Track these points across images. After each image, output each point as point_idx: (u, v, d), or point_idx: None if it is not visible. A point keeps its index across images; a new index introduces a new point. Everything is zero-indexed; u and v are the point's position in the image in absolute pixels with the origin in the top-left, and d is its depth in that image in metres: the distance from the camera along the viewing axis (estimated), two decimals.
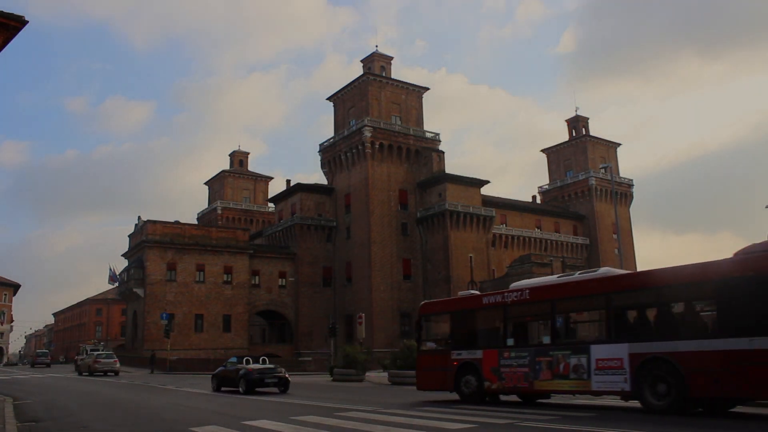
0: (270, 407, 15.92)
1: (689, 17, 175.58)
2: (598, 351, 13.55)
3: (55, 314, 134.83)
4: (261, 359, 24.45)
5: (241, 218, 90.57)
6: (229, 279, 62.23)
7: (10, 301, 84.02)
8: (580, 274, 15.91)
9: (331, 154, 71.20)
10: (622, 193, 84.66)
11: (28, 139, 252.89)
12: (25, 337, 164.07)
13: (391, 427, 11.32)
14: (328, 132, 74.52)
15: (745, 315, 11.54)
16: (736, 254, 12.47)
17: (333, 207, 70.60)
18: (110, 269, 63.64)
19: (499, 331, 16.39)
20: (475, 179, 69.41)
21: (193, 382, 28.97)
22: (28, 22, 11.68)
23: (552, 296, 15.18)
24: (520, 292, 15.80)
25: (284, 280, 67.09)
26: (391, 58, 74.31)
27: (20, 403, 17.85)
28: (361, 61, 74.11)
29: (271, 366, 23.18)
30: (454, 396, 16.94)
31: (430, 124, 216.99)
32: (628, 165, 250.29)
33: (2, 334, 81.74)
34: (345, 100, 71.85)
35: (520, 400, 16.54)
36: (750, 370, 11.15)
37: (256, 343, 66.78)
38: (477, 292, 18.85)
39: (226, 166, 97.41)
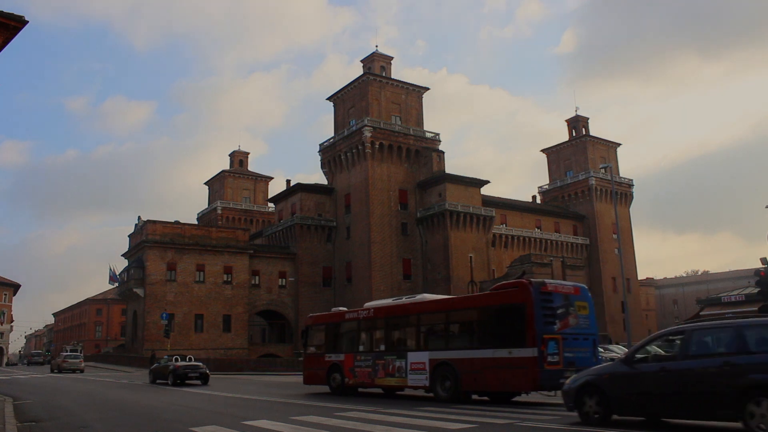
0: (269, 407, 15.92)
1: (689, 17, 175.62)
2: (412, 357, 17.86)
3: (55, 314, 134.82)
4: (188, 358, 29.99)
5: (241, 218, 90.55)
6: (229, 279, 62.20)
7: (10, 301, 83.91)
8: (406, 298, 20.49)
9: (331, 154, 71.18)
10: (622, 193, 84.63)
11: (29, 139, 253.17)
12: (25, 337, 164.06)
13: (391, 427, 11.32)
14: (328, 132, 74.65)
15: (492, 333, 16.09)
16: (490, 289, 17.28)
17: (333, 207, 70.58)
18: (110, 269, 63.71)
19: (354, 340, 20.69)
20: (475, 179, 69.40)
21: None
22: (28, 22, 11.68)
23: (386, 315, 19.66)
24: (368, 311, 20.32)
25: (284, 280, 67.06)
26: (391, 58, 74.32)
27: (20, 403, 17.85)
28: (361, 61, 74.11)
29: (195, 363, 28.45)
30: (326, 389, 21.03)
31: (430, 124, 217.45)
32: (628, 165, 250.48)
33: (2, 334, 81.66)
34: (345, 100, 71.83)
35: (383, 392, 20.00)
36: (492, 372, 15.56)
37: (255, 343, 66.79)
38: (344, 309, 23.44)
39: (227, 166, 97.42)
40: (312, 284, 67.67)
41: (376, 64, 72.10)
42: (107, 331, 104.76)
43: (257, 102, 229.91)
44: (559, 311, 15.36)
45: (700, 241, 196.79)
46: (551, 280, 16.68)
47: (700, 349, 9.92)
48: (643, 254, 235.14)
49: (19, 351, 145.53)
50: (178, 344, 54.47)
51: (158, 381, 28.69)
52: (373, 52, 73.03)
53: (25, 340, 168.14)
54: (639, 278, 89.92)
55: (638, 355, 10.69)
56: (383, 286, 63.71)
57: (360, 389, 20.31)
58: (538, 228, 78.39)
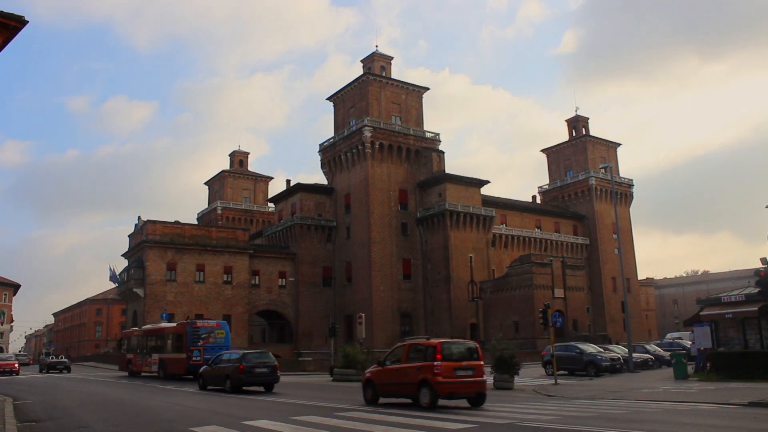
0: (269, 407, 15.92)
1: (690, 18, 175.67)
2: (153, 356, 33.45)
3: (55, 314, 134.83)
4: (60, 356, 54.05)
5: (241, 218, 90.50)
6: (229, 279, 62.15)
7: (10, 301, 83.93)
8: (153, 325, 38.54)
9: (331, 154, 71.16)
10: (622, 193, 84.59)
11: (30, 139, 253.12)
12: (25, 337, 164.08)
13: (391, 427, 11.32)
14: (329, 132, 74.46)
15: (175, 345, 31.56)
16: (178, 324, 33.59)
17: (333, 207, 70.56)
18: (110, 269, 63.69)
19: (136, 346, 36.86)
20: (475, 179, 69.38)
21: (193, 382, 28.95)
22: (28, 22, 11.67)
23: (146, 333, 36.19)
24: (142, 330, 37.53)
25: (284, 280, 67.00)
26: (392, 58, 74.27)
27: (20, 403, 17.85)
28: (361, 61, 74.03)
29: (62, 360, 48.13)
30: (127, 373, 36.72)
31: (433, 125, 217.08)
32: (628, 165, 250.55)
33: (2, 334, 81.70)
34: (345, 100, 71.81)
35: (156, 374, 33.02)
36: (177, 364, 30.64)
37: (256, 343, 66.67)
38: (136, 328, 41.48)
39: (227, 166, 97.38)
40: (312, 284, 67.63)
41: (376, 64, 72.08)
42: (107, 331, 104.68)
43: (259, 102, 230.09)
44: (203, 336, 30.92)
45: (700, 241, 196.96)
46: (202, 320, 34.91)
47: (228, 359, 23.50)
48: (643, 254, 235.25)
49: (19, 351, 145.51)
50: None
51: (42, 371, 44.85)
52: (373, 52, 72.99)
53: (25, 340, 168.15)
54: (639, 278, 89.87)
55: (216, 361, 24.27)
56: (383, 286, 63.68)
57: (142, 374, 34.98)
58: (538, 228, 78.35)
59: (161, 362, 32.32)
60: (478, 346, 16.33)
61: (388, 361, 16.66)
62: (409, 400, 15.76)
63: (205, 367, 25.22)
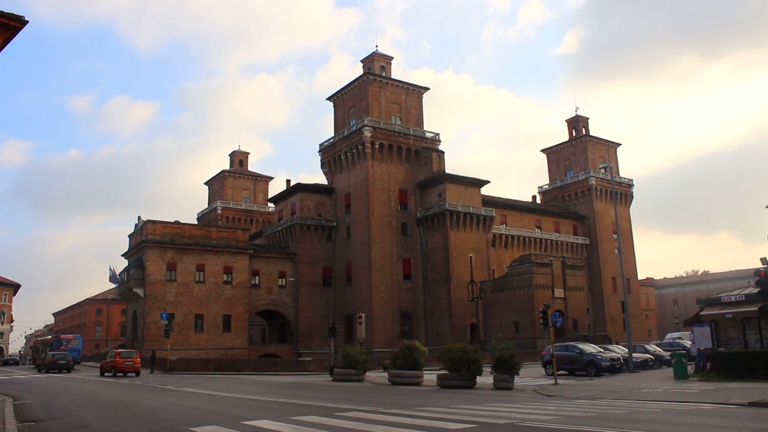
0: (269, 407, 15.92)
1: (691, 18, 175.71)
2: (48, 356, 48.96)
3: (55, 314, 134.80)
4: (12, 355, 79.00)
5: (241, 218, 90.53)
6: (229, 279, 62.14)
7: (10, 301, 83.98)
8: (44, 337, 74.94)
9: (331, 154, 71.16)
10: (622, 193, 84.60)
11: (31, 139, 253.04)
12: (25, 337, 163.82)
13: (390, 427, 11.32)
14: (330, 132, 74.44)
15: (51, 349, 56.21)
16: (51, 337, 70.07)
17: (333, 207, 70.55)
18: (110, 269, 63.79)
19: (39, 349, 62.65)
20: (475, 179, 69.36)
21: (193, 382, 28.96)
22: (28, 22, 11.67)
23: (42, 342, 65.85)
24: (41, 340, 70.41)
25: (284, 280, 66.99)
26: (392, 58, 74.23)
27: (20, 403, 17.86)
28: (361, 61, 73.97)
29: (14, 357, 78.32)
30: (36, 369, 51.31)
31: (436, 125, 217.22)
32: (628, 165, 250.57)
33: (2, 334, 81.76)
34: (345, 100, 71.80)
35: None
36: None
37: (256, 343, 66.73)
38: (41, 338, 73.33)
39: (228, 167, 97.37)
40: (312, 284, 67.63)
41: (376, 64, 72.05)
42: (107, 331, 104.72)
43: (261, 102, 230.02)
44: (64, 343, 56.62)
45: (700, 241, 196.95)
46: (64, 335, 69.00)
47: (49, 355, 47.46)
48: (643, 254, 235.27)
49: (19, 351, 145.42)
50: (178, 344, 54.42)
51: (1, 365, 61.24)
52: (373, 52, 72.94)
53: (25, 340, 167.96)
54: (639, 278, 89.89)
55: (47, 357, 48.09)
56: (383, 286, 63.67)
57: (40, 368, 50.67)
58: (538, 228, 78.34)
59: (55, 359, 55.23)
60: (137, 352, 38.60)
61: (108, 357, 37.22)
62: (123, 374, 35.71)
63: (40, 360, 49.90)
